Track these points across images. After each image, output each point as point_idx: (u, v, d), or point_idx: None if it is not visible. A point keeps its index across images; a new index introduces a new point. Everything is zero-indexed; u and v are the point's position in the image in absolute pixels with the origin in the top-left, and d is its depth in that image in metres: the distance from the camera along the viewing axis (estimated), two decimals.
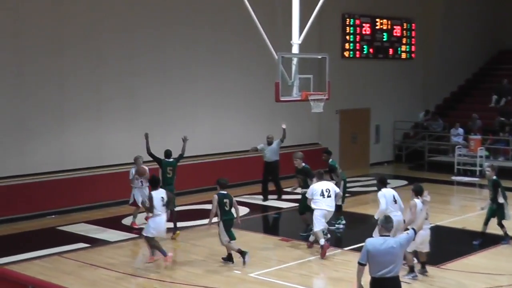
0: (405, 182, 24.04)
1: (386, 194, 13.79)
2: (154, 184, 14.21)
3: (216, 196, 13.88)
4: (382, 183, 14.14)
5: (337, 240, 16.24)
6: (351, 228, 17.45)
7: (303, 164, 16.48)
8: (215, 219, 14.03)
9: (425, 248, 13.08)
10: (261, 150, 21.23)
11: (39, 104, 19.05)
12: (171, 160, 16.83)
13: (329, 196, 14.78)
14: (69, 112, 19.66)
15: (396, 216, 13.13)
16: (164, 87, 21.79)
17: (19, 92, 18.71)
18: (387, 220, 9.02)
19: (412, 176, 25.51)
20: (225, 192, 14.05)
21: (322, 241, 14.54)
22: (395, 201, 13.77)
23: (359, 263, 8.83)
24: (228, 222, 13.95)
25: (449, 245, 15.98)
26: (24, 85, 18.74)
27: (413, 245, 12.14)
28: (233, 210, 14.19)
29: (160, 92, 21.68)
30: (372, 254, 8.69)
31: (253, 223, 18.46)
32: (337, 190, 15.20)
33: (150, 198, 13.88)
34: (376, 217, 13.61)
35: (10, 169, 18.54)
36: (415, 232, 9.08)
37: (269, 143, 20.98)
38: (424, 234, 12.72)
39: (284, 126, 20.62)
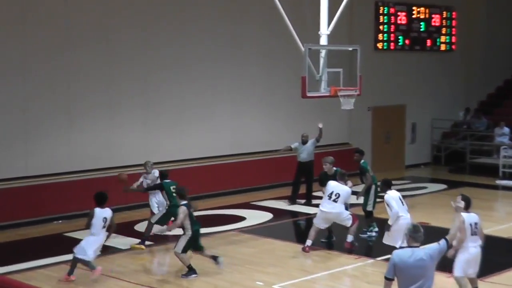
0: (444, 186, 24.01)
1: (394, 196, 14.34)
2: (99, 200, 13.88)
3: (185, 208, 13.84)
4: (387, 186, 14.79)
5: (368, 249, 16.26)
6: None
7: (334, 168, 16.57)
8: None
9: (472, 273, 12.06)
10: (294, 149, 21.33)
11: (45, 103, 19.20)
12: (169, 181, 16.67)
13: (335, 201, 15.32)
14: (77, 110, 19.78)
15: (406, 219, 13.72)
16: (180, 84, 21.82)
17: (23, 91, 18.84)
18: (416, 229, 8.73)
19: (452, 179, 25.46)
20: (186, 202, 14.12)
21: (308, 242, 15.64)
22: (402, 203, 14.41)
23: (386, 278, 8.71)
24: (197, 233, 14.09)
25: (494, 256, 15.81)
26: (29, 83, 18.89)
27: (460, 269, 11.81)
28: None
29: (176, 89, 21.74)
30: (400, 268, 8.56)
31: (277, 230, 18.51)
32: (347, 197, 15.60)
33: (91, 215, 13.71)
34: (390, 223, 14.34)
35: (15, 170, 18.71)
36: (447, 242, 8.90)
37: (304, 142, 21.07)
38: (473, 254, 11.95)
39: (320, 126, 20.68)
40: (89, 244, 13.71)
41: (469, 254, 11.80)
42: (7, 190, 18.38)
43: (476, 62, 30.46)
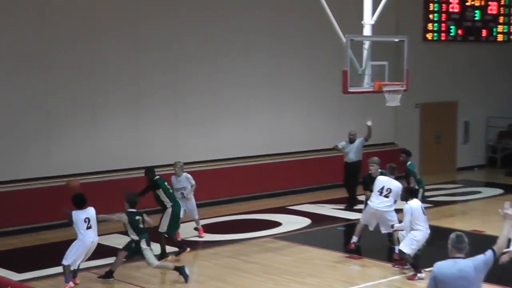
0: (500, 191, 23.82)
1: (415, 207, 14.39)
2: (77, 203, 14.12)
3: (126, 217, 14.28)
4: (410, 194, 14.73)
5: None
6: (434, 246, 17.41)
7: (380, 170, 16.63)
8: None
9: None
10: (341, 149, 21.38)
11: (68, 100, 19.43)
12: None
13: (386, 196, 15.40)
14: (101, 107, 20.00)
15: (425, 230, 14.50)
16: (212, 78, 21.88)
17: (43, 86, 19.08)
18: (459, 239, 8.59)
19: (509, 183, 25.28)
20: (134, 210, 14.45)
21: (353, 238, 16.13)
22: (424, 213, 14.56)
23: None
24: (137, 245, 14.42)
25: None
26: (50, 79, 19.12)
27: None
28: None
29: (207, 83, 21.81)
30: (440, 280, 8.46)
31: (315, 237, 18.56)
32: (398, 193, 15.48)
33: (70, 220, 14.00)
34: (395, 227, 15.18)
35: (34, 170, 18.96)
36: (495, 254, 8.63)
37: (351, 140, 21.11)
38: None
39: (369, 124, 20.70)
40: (71, 248, 13.97)
41: None
42: (24, 192, 18.61)
43: None
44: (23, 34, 18.68)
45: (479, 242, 16.90)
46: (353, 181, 21.20)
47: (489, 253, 8.58)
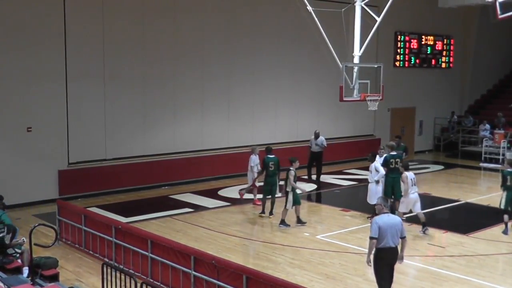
0: (442, 167, 23.60)
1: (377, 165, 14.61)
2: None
3: None
4: (374, 156, 15.01)
5: None
6: None
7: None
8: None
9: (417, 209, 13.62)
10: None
11: (158, 101, 19.24)
12: (272, 156, 15.72)
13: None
14: (179, 107, 19.79)
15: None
16: (253, 87, 21.52)
17: (143, 92, 18.94)
18: (385, 200, 9.19)
19: (448, 162, 24.99)
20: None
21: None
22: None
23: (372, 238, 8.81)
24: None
25: (477, 218, 15.55)
26: (147, 86, 18.99)
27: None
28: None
29: (249, 90, 21.44)
30: (382, 227, 8.67)
31: (321, 197, 18.29)
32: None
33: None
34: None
35: (136, 151, 18.87)
36: (404, 238, 9.00)
37: (316, 136, 19.92)
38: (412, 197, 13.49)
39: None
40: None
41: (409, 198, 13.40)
42: (130, 165, 18.57)
43: (467, 76, 29.76)
44: (127, 62, 18.46)
45: (427, 200, 16.72)
46: (318, 165, 20.13)
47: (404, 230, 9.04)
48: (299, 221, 14.17)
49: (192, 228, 14.06)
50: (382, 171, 14.52)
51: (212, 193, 18.12)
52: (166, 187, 19.07)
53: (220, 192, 18.30)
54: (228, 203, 16.70)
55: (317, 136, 20.24)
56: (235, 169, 19.91)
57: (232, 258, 11.04)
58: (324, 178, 20.56)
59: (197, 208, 16.24)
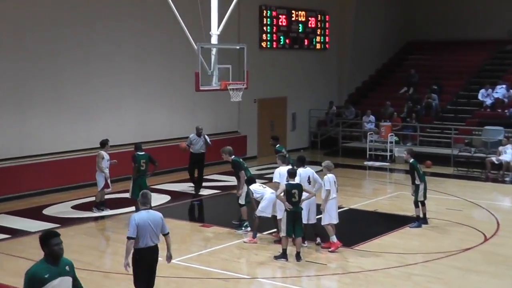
0: (320, 168, 24.10)
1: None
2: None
3: None
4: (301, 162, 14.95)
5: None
6: None
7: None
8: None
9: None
10: (189, 144, 20.28)
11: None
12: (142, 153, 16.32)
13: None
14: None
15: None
16: (88, 81, 21.13)
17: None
18: (144, 195, 9.62)
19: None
20: None
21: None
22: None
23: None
24: None
25: (362, 227, 16.13)
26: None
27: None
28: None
29: (85, 85, 21.05)
30: (140, 225, 9.29)
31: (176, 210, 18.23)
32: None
33: None
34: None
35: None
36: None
37: (199, 134, 20.07)
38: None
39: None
40: None
41: None
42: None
43: (347, 59, 31.03)
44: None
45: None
46: (199, 168, 20.21)
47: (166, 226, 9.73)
48: None
49: (9, 260, 13.41)
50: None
51: (35, 213, 17.49)
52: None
53: (46, 211, 17.75)
54: (57, 225, 16.09)
55: (199, 133, 20.11)
56: (66, 180, 19.69)
57: None
58: (175, 187, 20.64)
59: (15, 233, 15.56)
